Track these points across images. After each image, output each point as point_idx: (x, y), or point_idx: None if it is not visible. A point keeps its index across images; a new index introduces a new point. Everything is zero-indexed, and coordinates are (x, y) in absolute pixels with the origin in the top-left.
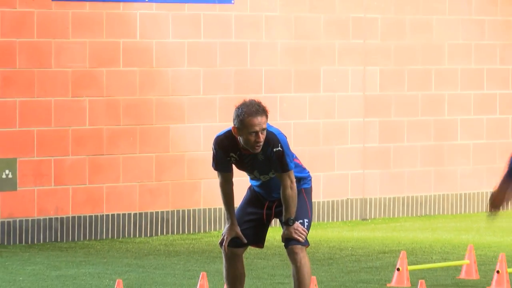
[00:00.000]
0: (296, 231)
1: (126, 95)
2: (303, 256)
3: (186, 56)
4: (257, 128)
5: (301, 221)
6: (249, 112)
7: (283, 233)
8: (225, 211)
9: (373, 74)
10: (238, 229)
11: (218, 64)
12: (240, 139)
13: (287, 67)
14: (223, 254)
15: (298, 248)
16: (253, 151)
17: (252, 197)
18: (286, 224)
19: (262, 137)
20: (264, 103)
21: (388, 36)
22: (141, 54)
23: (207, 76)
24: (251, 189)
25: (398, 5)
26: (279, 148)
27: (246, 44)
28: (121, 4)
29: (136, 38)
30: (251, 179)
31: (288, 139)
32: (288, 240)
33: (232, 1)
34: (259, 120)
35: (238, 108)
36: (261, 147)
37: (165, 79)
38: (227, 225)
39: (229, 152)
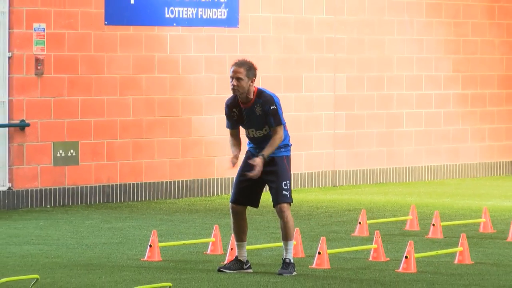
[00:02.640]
0: (256, 164)
1: (159, 95)
2: (288, 213)
3: (203, 65)
4: (232, 75)
5: (284, 182)
6: (233, 63)
7: (252, 160)
8: (231, 149)
9: (341, 79)
10: (236, 153)
11: (227, 71)
12: None
13: (278, 74)
14: (230, 212)
15: (285, 207)
16: (233, 93)
17: (248, 161)
18: (258, 155)
19: (236, 82)
20: (254, 62)
21: (352, 51)
22: (170, 64)
23: (219, 80)
24: (248, 153)
25: (360, 28)
26: (274, 106)
27: (247, 57)
28: (156, 27)
29: (167, 53)
30: (249, 137)
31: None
32: (277, 201)
33: (238, 26)
34: (235, 68)
35: None
36: (238, 92)
37: (188, 82)
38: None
39: (232, 107)
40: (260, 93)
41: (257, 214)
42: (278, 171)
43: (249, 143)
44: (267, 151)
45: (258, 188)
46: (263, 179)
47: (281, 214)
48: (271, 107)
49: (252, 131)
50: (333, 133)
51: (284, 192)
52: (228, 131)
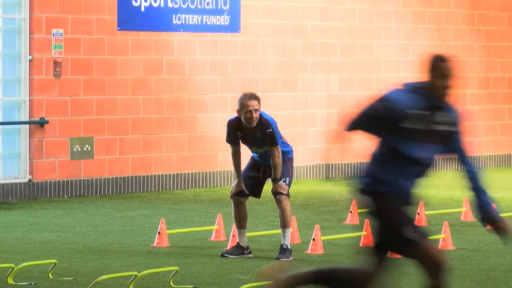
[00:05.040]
0: (280, 187)
1: (168, 94)
2: (286, 203)
3: (208, 68)
4: (251, 108)
5: (284, 179)
6: (245, 97)
7: (272, 188)
8: (234, 172)
9: (334, 80)
10: (242, 185)
11: (230, 74)
12: (242, 118)
13: (276, 76)
14: (232, 202)
15: (283, 197)
16: (250, 125)
17: (253, 164)
18: (273, 181)
19: (255, 115)
20: (258, 95)
21: (344, 54)
22: (177, 66)
23: (222, 81)
24: (252, 158)
25: (351, 33)
26: (271, 129)
27: (248, 60)
28: (164, 33)
29: (174, 56)
30: (252, 152)
31: (277, 124)
32: (276, 193)
33: (239, 31)
34: (252, 102)
35: (240, 97)
36: (255, 122)
37: (193, 83)
38: (235, 182)
39: (236, 130)
40: (260, 118)
41: (257, 203)
42: (282, 171)
43: (252, 153)
44: (276, 174)
45: (258, 187)
46: (268, 174)
47: (279, 204)
48: (268, 131)
49: (255, 148)
50: (326, 129)
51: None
52: (228, 146)
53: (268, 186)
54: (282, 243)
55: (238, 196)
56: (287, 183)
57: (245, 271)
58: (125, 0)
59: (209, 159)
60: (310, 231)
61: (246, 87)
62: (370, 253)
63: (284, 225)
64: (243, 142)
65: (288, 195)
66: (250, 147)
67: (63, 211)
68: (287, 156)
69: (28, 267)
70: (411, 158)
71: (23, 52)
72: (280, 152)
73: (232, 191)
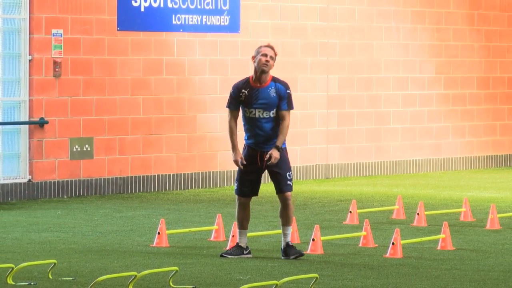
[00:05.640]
0: (275, 158)
1: (167, 94)
2: (291, 201)
3: (207, 68)
4: (266, 52)
5: (289, 172)
6: (262, 45)
7: (270, 152)
8: (230, 141)
9: (334, 80)
10: (240, 153)
11: (229, 73)
12: (255, 64)
13: (276, 76)
14: (236, 202)
15: (289, 195)
16: (263, 69)
17: (247, 156)
18: (276, 148)
19: (270, 60)
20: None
21: (344, 54)
22: (177, 66)
23: (222, 81)
24: (245, 149)
25: (350, 33)
26: (290, 91)
27: (247, 60)
28: (164, 33)
29: (174, 56)
30: (249, 123)
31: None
32: (282, 189)
33: (239, 31)
34: (268, 50)
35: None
36: (268, 68)
37: (193, 83)
38: (234, 153)
39: (241, 89)
40: (275, 78)
41: (256, 204)
42: (282, 161)
43: (248, 138)
44: (280, 140)
45: (259, 178)
46: (268, 169)
47: (286, 201)
48: (288, 91)
49: (259, 111)
50: (326, 129)
51: (288, 182)
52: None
53: (267, 186)
54: (288, 240)
55: (242, 196)
56: (291, 177)
57: (245, 271)
58: (125, 0)
59: (208, 159)
60: (309, 231)
61: None
62: None
63: (288, 222)
64: (246, 104)
65: (291, 189)
66: (255, 108)
67: (62, 211)
68: (284, 145)
69: (28, 267)
70: None
71: (22, 52)
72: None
73: (237, 163)
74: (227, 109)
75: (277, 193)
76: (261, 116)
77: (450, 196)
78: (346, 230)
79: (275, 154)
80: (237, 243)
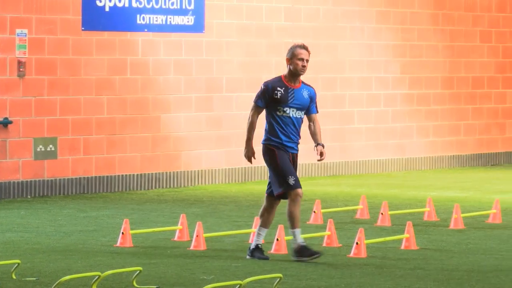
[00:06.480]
0: (323, 151)
1: (132, 94)
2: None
3: (172, 68)
4: (303, 56)
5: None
6: (298, 46)
7: (321, 150)
8: (247, 136)
9: None
10: (254, 150)
11: (194, 73)
12: (291, 66)
13: (240, 76)
14: (265, 201)
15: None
16: (300, 74)
17: (286, 158)
18: (322, 146)
19: (306, 67)
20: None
21: None
22: (142, 66)
23: (186, 81)
24: (281, 152)
25: (315, 33)
26: (316, 95)
27: (212, 60)
28: (128, 33)
29: (139, 56)
30: (280, 121)
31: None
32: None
33: (203, 31)
34: (304, 52)
35: (291, 46)
36: (304, 71)
37: (158, 83)
38: (247, 148)
39: (276, 87)
40: (302, 80)
41: (220, 203)
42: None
43: (275, 137)
44: (321, 139)
45: None
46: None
47: (297, 198)
48: (316, 95)
49: (293, 110)
50: None
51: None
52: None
53: (230, 186)
54: (302, 241)
55: (272, 197)
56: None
57: (209, 271)
58: (89, 0)
59: (173, 159)
60: (273, 231)
61: (210, 87)
62: None
63: (298, 224)
64: (281, 103)
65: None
66: (290, 107)
67: (26, 212)
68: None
69: None
70: None
71: None
72: None
73: (249, 159)
74: (253, 104)
75: (289, 193)
76: (294, 116)
77: (414, 195)
78: (310, 229)
79: (324, 151)
80: (257, 245)
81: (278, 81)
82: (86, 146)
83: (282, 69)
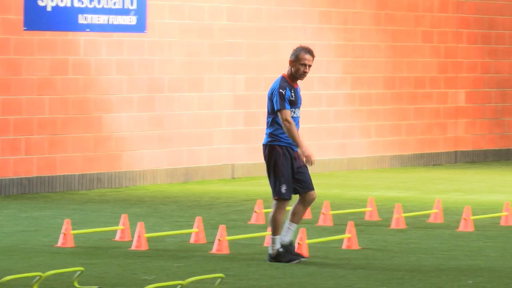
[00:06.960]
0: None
1: (74, 94)
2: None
3: (114, 67)
4: (306, 62)
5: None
6: (303, 50)
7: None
8: (297, 139)
9: (240, 80)
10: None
11: (136, 73)
12: (293, 70)
13: (182, 76)
14: (276, 204)
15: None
16: (300, 79)
17: (288, 168)
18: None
19: (308, 71)
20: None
21: (250, 55)
22: (83, 66)
23: (128, 81)
24: (284, 161)
25: (257, 33)
26: None
27: (154, 60)
28: (70, 33)
29: (81, 55)
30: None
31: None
32: (310, 188)
33: (145, 31)
34: (308, 57)
35: (296, 48)
36: (305, 77)
37: (99, 83)
38: (304, 149)
39: (291, 89)
40: None
41: (162, 204)
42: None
43: (280, 136)
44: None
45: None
46: (299, 168)
47: (312, 201)
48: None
49: (298, 110)
50: (232, 129)
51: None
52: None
53: (172, 186)
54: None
55: (286, 199)
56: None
57: (150, 271)
58: None
59: (114, 159)
60: (215, 231)
61: (152, 87)
62: None
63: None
64: (293, 104)
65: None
66: (297, 108)
67: None
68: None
69: None
70: None
71: None
72: None
73: (311, 160)
74: (283, 110)
75: (304, 192)
76: (298, 115)
77: (356, 195)
78: (251, 230)
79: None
80: (287, 245)
81: (288, 81)
82: (28, 146)
83: (224, 69)
